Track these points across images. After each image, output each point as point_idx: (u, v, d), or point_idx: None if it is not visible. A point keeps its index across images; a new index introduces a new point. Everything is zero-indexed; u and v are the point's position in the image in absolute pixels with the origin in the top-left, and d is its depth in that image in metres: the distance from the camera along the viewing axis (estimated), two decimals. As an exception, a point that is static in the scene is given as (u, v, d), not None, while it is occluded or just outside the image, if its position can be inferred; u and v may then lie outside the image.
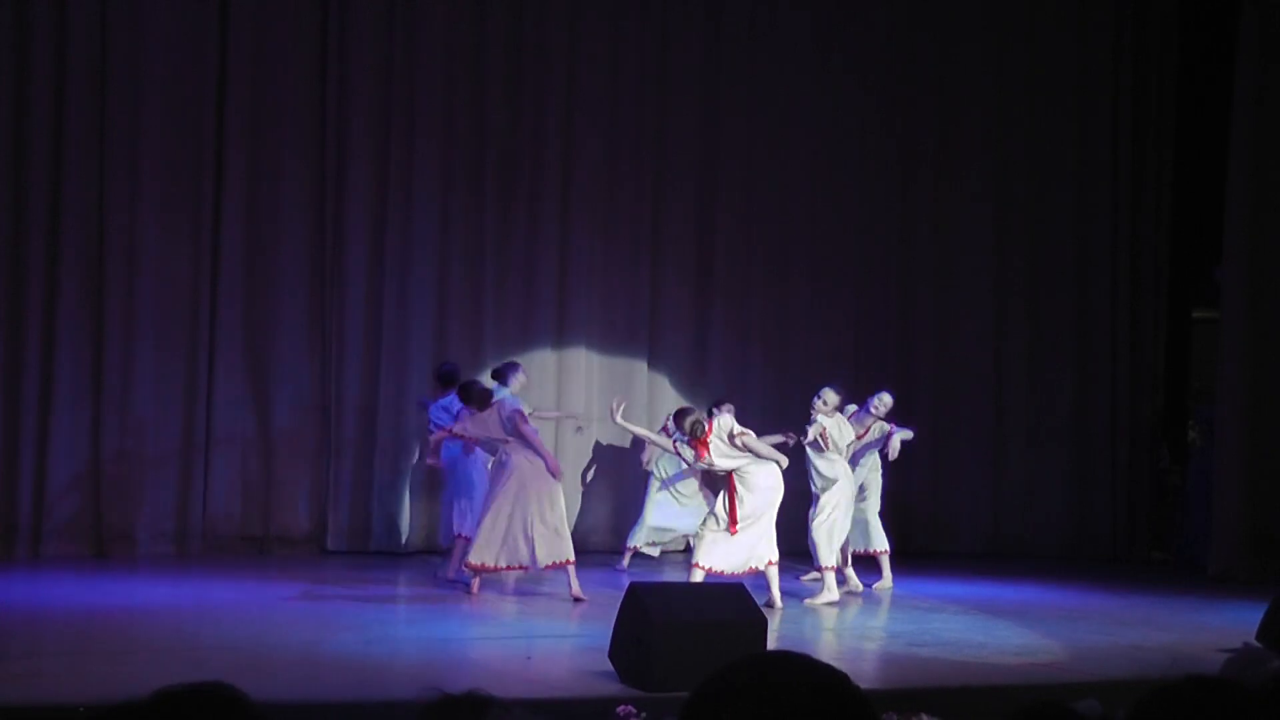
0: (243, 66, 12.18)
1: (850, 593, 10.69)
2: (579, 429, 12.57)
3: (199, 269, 12.04)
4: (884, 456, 11.15)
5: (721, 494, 10.09)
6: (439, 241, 12.71)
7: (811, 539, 10.41)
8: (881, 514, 11.26)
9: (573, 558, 9.94)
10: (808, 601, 10.17)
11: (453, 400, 10.87)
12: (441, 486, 11.95)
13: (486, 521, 9.93)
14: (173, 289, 11.97)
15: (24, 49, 11.53)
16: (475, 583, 10.05)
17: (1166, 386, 14.52)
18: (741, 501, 9.83)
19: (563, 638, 8.91)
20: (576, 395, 13.02)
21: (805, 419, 10.50)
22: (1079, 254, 14.30)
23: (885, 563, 11.23)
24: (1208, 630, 9.19)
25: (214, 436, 12.12)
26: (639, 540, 11.99)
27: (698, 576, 9.69)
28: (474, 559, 9.91)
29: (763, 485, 9.85)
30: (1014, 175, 14.25)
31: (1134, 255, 14.33)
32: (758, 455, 9.85)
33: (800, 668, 1.85)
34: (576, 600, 9.85)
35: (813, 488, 10.50)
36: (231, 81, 12.14)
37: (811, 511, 10.46)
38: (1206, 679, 2.22)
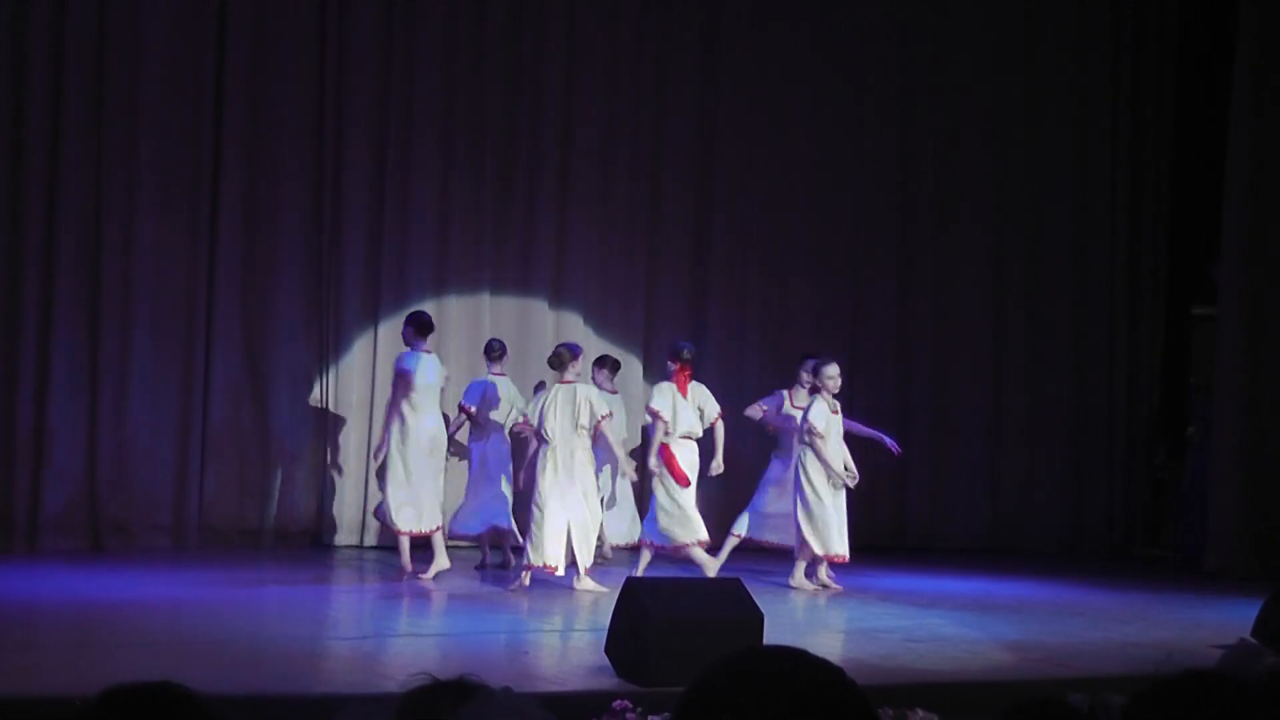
0: (242, 64, 12.13)
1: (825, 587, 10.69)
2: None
3: (196, 262, 12.01)
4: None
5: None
6: (437, 237, 12.69)
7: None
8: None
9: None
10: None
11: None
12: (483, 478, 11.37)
13: (551, 522, 9.94)
14: (170, 282, 11.95)
15: (23, 48, 11.49)
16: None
17: (1165, 383, 14.51)
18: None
19: (560, 632, 8.92)
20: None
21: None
22: (1078, 252, 14.28)
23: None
24: (1204, 626, 9.20)
25: (211, 429, 12.10)
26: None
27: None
28: (550, 562, 9.89)
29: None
30: (1013, 175, 14.23)
31: (1133, 253, 14.32)
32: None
33: (797, 663, 1.85)
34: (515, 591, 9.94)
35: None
36: (230, 79, 12.09)
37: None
38: (1203, 674, 2.22)
